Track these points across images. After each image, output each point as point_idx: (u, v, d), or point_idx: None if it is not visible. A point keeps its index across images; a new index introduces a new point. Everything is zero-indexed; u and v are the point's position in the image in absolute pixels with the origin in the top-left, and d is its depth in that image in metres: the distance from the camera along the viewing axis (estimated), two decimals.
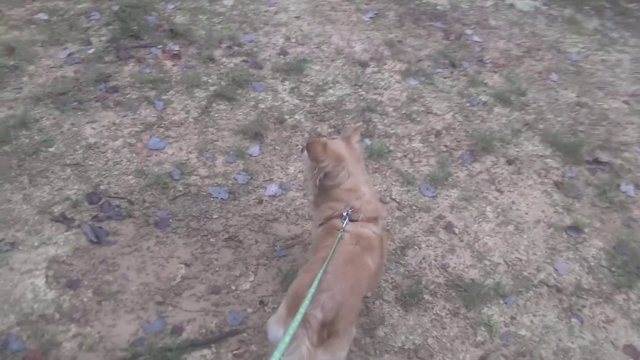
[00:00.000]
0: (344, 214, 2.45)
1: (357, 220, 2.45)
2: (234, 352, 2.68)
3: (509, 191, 3.75)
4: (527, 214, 3.60)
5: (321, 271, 2.17)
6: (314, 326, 2.07)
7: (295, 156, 3.68)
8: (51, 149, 3.44)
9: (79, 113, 3.71)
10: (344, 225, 2.41)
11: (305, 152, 2.68)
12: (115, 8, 4.65)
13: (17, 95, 3.72)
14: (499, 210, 3.60)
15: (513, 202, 3.67)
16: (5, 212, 3.05)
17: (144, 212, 3.22)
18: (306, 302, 2.05)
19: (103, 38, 4.38)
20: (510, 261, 3.30)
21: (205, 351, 2.68)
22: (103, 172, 3.38)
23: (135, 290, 2.87)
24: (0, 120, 3.52)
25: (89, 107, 3.77)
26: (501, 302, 3.08)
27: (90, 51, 4.22)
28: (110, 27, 4.48)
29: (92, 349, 2.60)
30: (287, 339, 1.93)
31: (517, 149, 4.07)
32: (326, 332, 2.13)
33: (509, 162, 3.96)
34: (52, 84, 3.85)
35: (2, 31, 4.24)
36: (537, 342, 2.93)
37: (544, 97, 4.58)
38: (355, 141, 2.66)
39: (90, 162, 3.42)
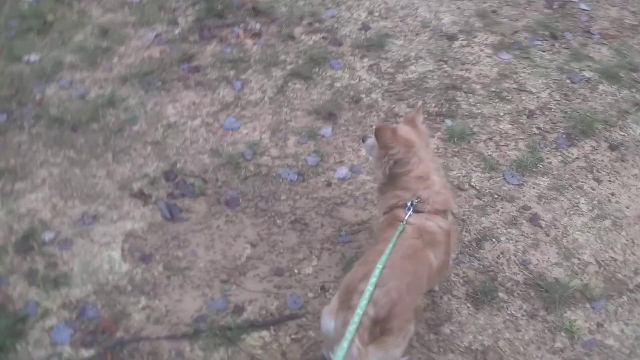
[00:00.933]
0: (409, 204, 2.30)
1: (422, 212, 2.30)
2: (292, 336, 2.67)
3: (609, 181, 3.33)
4: (628, 207, 3.18)
5: (379, 267, 2.06)
6: (364, 323, 1.97)
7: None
8: (135, 127, 3.60)
9: (162, 92, 3.84)
10: (406, 217, 2.27)
11: (369, 140, 2.56)
12: None
13: (108, 75, 3.93)
14: (594, 202, 3.22)
15: (612, 194, 3.26)
16: (90, 186, 3.26)
17: (216, 191, 3.28)
18: (363, 301, 1.96)
19: (189, 18, 4.48)
20: (602, 261, 2.94)
21: (264, 333, 2.68)
22: (180, 151, 3.49)
23: (203, 267, 2.94)
24: (91, 99, 3.75)
25: (172, 86, 3.89)
26: (587, 306, 2.76)
27: (176, 31, 4.33)
28: (196, 7, 4.57)
29: (158, 322, 2.71)
30: (345, 344, 1.86)
31: (622, 133, 3.60)
32: (379, 330, 2.03)
33: (612, 147, 3.51)
34: (139, 65, 4.01)
35: (98, 14, 4.48)
36: (627, 354, 2.59)
37: None
38: (420, 122, 2.50)
39: (169, 141, 3.54)
